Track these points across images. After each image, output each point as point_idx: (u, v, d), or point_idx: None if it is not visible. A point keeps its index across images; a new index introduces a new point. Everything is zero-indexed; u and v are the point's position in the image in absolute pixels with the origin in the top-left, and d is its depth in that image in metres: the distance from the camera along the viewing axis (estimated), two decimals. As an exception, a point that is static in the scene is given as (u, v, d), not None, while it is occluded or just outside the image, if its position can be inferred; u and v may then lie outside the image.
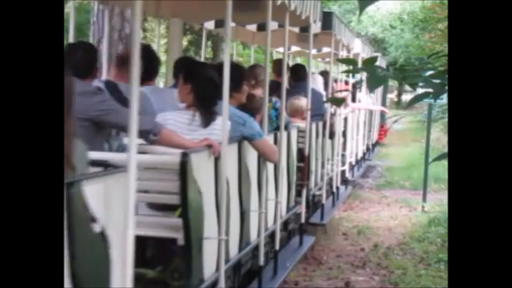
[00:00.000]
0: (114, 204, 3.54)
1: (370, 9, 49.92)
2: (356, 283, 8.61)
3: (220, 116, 5.48)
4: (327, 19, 9.27)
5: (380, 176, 18.66)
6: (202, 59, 11.86)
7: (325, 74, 13.09)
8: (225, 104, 5.17)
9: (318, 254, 10.02)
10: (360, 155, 18.60)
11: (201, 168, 5.15)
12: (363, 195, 15.24)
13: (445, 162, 16.86)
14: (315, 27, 8.39)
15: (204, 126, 5.67)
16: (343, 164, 14.36)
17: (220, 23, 9.86)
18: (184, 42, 33.05)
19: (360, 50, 15.68)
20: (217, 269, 5.36)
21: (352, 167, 16.52)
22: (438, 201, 13.49)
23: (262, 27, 9.79)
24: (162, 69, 29.16)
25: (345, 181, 14.54)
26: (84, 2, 28.73)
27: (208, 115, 5.70)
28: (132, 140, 3.38)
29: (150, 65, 6.33)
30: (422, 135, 28.73)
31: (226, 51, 5.29)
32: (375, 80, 3.41)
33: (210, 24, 10.53)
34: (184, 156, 4.89)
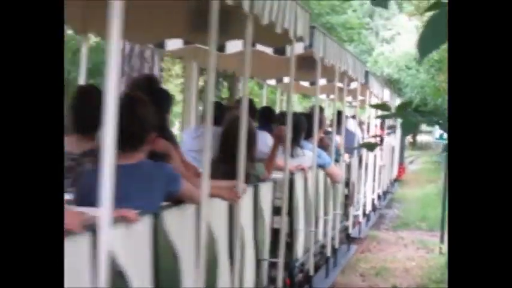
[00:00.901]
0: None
1: (386, 49, 50.00)
2: (375, 325, 8.57)
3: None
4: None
5: (396, 217, 18.61)
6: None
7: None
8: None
9: (336, 295, 10.00)
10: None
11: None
12: (380, 236, 15.19)
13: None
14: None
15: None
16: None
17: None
18: (201, 83, 33.19)
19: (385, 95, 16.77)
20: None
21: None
22: (456, 242, 13.43)
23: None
24: (178, 109, 29.39)
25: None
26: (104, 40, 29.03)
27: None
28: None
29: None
30: (437, 175, 28.65)
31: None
32: (409, 125, 3.44)
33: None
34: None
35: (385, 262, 12.33)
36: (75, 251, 3.51)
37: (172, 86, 35.99)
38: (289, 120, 6.82)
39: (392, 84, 44.48)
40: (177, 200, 4.53)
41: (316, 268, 9.03)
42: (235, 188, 5.25)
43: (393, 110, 3.72)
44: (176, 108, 22.39)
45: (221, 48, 8.32)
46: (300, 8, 6.05)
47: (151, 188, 4.32)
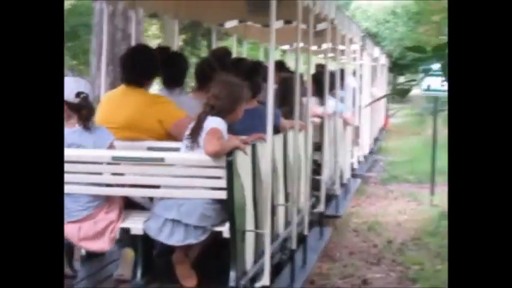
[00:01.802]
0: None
1: (363, 3, 49.76)
2: (373, 280, 8.48)
3: None
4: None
5: (383, 171, 18.55)
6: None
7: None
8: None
9: (331, 251, 9.89)
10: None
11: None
12: (369, 190, 15.12)
13: (450, 155, 16.63)
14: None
15: None
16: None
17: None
18: (180, 42, 32.87)
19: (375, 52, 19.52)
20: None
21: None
22: (446, 194, 13.35)
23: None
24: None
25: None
26: (79, 1, 28.67)
27: None
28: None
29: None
30: (421, 128, 28.66)
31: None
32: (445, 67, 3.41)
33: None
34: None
35: (376, 216, 12.26)
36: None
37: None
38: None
39: (370, 37, 44.40)
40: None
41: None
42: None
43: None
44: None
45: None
46: None
47: (255, 128, 6.12)
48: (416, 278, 8.46)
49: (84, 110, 5.38)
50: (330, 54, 10.97)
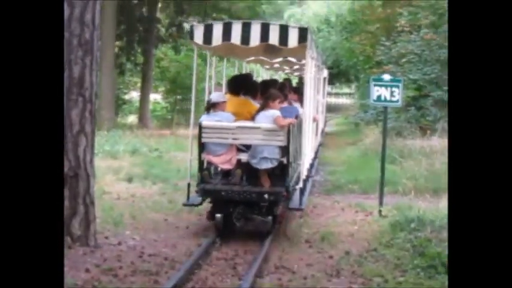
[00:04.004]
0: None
1: (296, 11, 49.96)
2: (336, 293, 8.42)
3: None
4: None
5: (324, 180, 18.59)
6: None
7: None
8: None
9: (287, 262, 9.83)
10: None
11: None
12: (314, 200, 15.11)
13: (393, 166, 16.72)
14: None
15: None
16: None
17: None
18: (116, 49, 32.57)
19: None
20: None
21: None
22: (394, 205, 13.42)
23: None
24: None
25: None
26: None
27: None
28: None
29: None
30: (356, 137, 28.87)
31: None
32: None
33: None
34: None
35: (327, 227, 12.23)
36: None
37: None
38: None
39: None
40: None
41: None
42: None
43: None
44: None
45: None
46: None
47: (291, 115, 11.85)
48: (381, 290, 8.43)
49: (220, 105, 11.61)
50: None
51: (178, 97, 36.72)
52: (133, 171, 17.39)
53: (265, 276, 9.20)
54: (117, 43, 33.62)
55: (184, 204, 11.91)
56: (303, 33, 11.01)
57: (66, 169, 9.62)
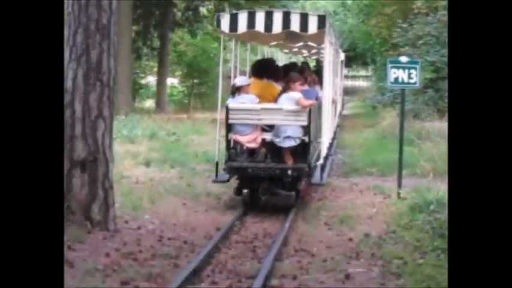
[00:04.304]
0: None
1: (313, -6, 49.78)
2: (355, 275, 8.42)
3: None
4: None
5: (343, 163, 18.57)
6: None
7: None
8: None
9: (306, 245, 9.85)
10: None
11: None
12: (333, 182, 15.11)
13: (411, 148, 16.67)
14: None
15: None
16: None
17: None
18: (132, 34, 32.57)
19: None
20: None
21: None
22: (412, 187, 13.38)
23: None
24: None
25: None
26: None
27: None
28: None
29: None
30: (373, 120, 28.77)
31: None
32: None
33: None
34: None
35: (345, 210, 12.24)
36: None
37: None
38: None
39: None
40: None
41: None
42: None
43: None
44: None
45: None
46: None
47: (312, 97, 12.76)
48: (400, 272, 8.40)
49: (244, 88, 12.52)
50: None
51: (195, 81, 36.70)
52: (151, 155, 17.41)
53: (285, 259, 9.21)
54: (134, 28, 33.62)
55: (214, 181, 12.74)
56: (321, 20, 12.05)
57: (85, 154, 9.66)
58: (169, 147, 19.18)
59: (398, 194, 13.06)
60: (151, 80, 43.44)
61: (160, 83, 36.13)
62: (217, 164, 12.60)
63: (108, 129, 9.98)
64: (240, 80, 12.87)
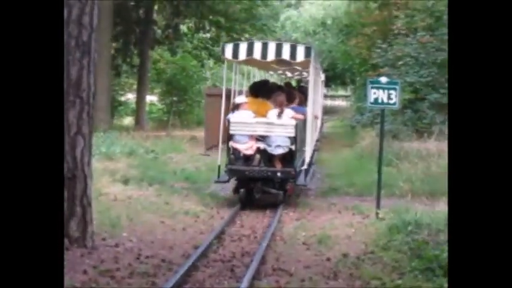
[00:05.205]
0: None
1: (293, 14, 49.93)
2: (334, 295, 8.40)
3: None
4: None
5: (321, 183, 18.59)
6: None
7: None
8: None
9: (284, 265, 9.83)
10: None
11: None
12: (311, 202, 15.13)
13: (389, 169, 16.69)
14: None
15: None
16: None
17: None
18: (112, 51, 32.52)
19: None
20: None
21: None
22: (390, 207, 13.40)
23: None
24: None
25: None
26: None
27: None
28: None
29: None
30: (352, 140, 28.84)
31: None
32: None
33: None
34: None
35: (324, 229, 12.23)
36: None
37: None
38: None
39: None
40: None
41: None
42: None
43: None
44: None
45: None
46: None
47: (301, 112, 15.91)
48: (378, 293, 8.41)
49: (242, 105, 15.11)
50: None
51: (174, 98, 36.68)
52: (129, 172, 17.36)
53: (263, 278, 9.19)
54: (114, 45, 33.59)
55: (216, 181, 15.30)
56: (308, 50, 14.86)
57: (63, 171, 9.60)
58: (148, 165, 19.14)
59: (377, 214, 13.07)
60: (130, 97, 43.38)
61: (140, 100, 36.09)
62: (219, 167, 15.08)
63: (87, 146, 9.93)
64: (238, 99, 15.68)
